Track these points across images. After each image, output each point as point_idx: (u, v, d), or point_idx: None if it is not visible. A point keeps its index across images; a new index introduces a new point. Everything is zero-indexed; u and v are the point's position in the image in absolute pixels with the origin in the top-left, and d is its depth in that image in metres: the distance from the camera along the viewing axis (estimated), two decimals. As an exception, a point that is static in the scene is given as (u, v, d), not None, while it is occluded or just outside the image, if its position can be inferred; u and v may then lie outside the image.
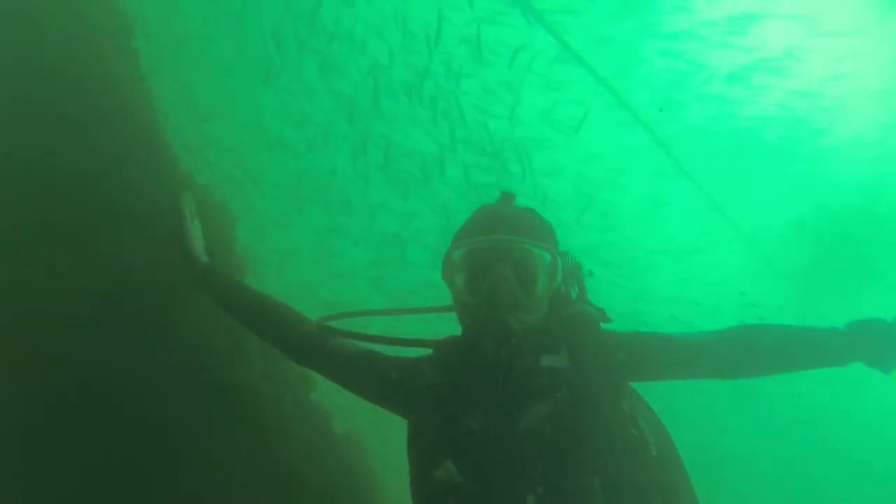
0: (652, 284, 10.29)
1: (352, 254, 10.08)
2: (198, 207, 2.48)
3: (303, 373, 3.60)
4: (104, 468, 2.19)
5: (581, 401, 1.80)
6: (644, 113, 8.65)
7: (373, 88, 8.32)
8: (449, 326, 2.05)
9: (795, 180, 8.70)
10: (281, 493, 2.72)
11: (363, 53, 8.23)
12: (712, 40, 7.69)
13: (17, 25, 2.78)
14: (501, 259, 1.88)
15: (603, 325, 2.01)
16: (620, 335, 1.98)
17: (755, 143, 8.54)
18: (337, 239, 10.12)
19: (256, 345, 3.16)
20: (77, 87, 2.81)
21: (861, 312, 1.91)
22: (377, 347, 2.10)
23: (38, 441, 2.16)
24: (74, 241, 2.39)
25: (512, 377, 1.83)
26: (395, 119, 8.77)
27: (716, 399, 10.53)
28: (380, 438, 4.30)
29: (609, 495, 1.69)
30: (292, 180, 9.75)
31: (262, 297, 2.25)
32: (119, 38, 3.29)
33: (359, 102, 8.60)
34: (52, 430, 2.17)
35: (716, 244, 9.88)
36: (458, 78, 8.30)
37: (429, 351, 2.04)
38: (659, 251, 10.11)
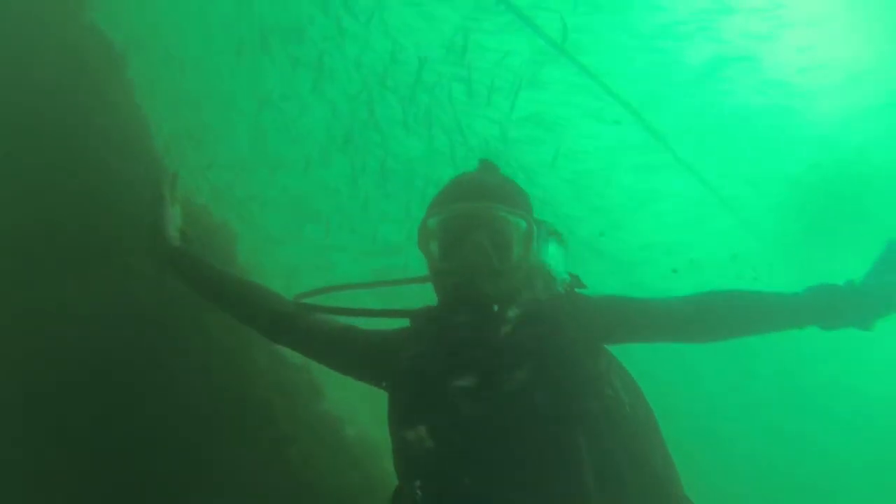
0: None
1: (352, 269, 10.12)
2: (187, 205, 2.46)
3: (312, 383, 3.67)
4: (124, 482, 2.26)
5: (558, 365, 1.83)
6: (630, 99, 8.65)
7: (368, 101, 8.42)
8: (429, 299, 2.06)
9: (782, 148, 8.77)
10: (297, 501, 2.77)
11: (356, 68, 8.35)
12: (687, 34, 7.81)
13: (16, 70, 2.87)
14: (476, 226, 1.90)
15: (578, 291, 2.05)
16: (596, 298, 2.02)
17: (740, 123, 8.61)
18: (338, 255, 10.21)
19: (267, 359, 3.24)
20: (78, 118, 2.91)
21: (857, 270, 1.96)
22: (354, 321, 2.10)
23: (56, 449, 2.22)
24: (84, 264, 2.47)
25: (487, 343, 1.85)
26: (391, 128, 8.86)
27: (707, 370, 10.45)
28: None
29: (591, 457, 1.71)
30: (293, 198, 9.83)
31: (236, 278, 2.24)
32: (113, 70, 3.38)
33: (355, 114, 8.71)
34: (70, 444, 2.24)
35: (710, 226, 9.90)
36: (449, 83, 8.38)
37: (406, 322, 2.04)
38: (652, 243, 10.20)
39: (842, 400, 10.71)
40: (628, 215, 9.98)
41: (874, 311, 1.86)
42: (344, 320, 2.10)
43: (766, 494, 10.25)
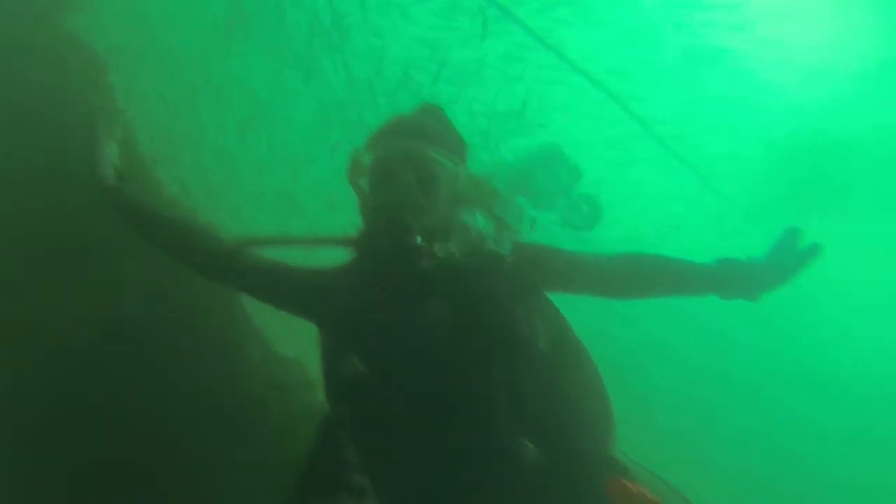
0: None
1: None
2: (126, 145, 2.49)
3: (305, 378, 3.70)
4: (113, 482, 2.30)
5: (475, 301, 1.93)
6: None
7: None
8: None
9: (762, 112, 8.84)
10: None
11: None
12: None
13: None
14: (404, 163, 1.99)
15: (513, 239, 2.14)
16: (529, 246, 2.13)
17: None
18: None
19: (260, 355, 3.27)
20: (60, 124, 2.92)
21: (825, 235, 2.10)
22: (292, 257, 2.19)
23: (47, 450, 2.26)
24: (73, 265, 2.50)
25: (409, 276, 1.96)
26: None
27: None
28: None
29: (503, 389, 1.81)
30: (284, 196, 9.84)
31: (172, 217, 2.31)
32: (95, 76, 3.39)
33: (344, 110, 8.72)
34: (61, 444, 2.27)
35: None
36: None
37: (337, 261, 2.13)
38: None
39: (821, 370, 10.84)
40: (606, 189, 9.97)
41: (763, 287, 2.05)
42: (279, 259, 2.19)
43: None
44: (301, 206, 9.77)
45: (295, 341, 3.21)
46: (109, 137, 2.29)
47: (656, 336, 9.79)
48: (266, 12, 7.91)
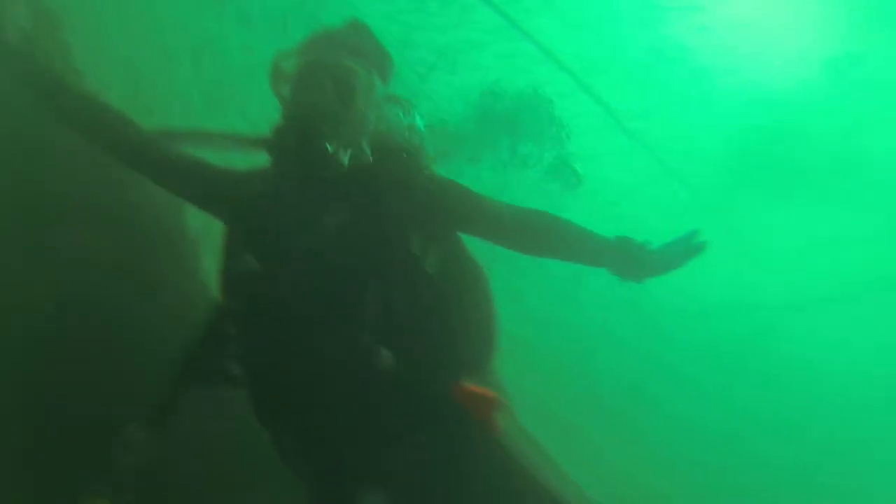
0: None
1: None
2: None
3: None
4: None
5: (375, 214, 2.03)
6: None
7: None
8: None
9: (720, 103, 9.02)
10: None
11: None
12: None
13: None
14: (323, 71, 2.05)
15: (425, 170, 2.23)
16: (437, 176, 2.21)
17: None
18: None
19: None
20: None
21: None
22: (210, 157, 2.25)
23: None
24: (29, 237, 2.35)
25: (315, 182, 2.04)
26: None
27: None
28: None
29: (377, 301, 1.93)
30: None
31: (94, 97, 2.27)
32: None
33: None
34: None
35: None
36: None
37: (258, 164, 2.17)
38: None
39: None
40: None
41: (648, 271, 2.15)
42: (196, 155, 2.23)
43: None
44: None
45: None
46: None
47: (604, 323, 9.92)
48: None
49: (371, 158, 2.10)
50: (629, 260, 2.16)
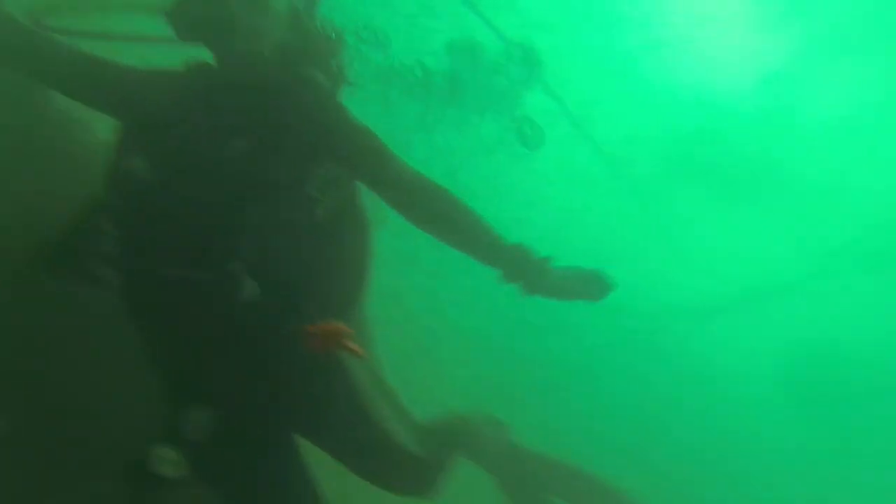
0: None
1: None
2: None
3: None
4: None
5: (274, 144, 1.97)
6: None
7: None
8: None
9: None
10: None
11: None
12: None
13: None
14: None
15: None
16: (354, 121, 2.13)
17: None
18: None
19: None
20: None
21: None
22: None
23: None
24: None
25: (219, 90, 2.02)
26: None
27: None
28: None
29: (253, 227, 1.89)
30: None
31: None
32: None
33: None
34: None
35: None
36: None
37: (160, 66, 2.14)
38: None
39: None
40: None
41: (538, 291, 2.10)
42: (89, 50, 2.14)
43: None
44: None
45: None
46: None
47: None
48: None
49: (278, 64, 2.05)
50: (521, 270, 2.10)
